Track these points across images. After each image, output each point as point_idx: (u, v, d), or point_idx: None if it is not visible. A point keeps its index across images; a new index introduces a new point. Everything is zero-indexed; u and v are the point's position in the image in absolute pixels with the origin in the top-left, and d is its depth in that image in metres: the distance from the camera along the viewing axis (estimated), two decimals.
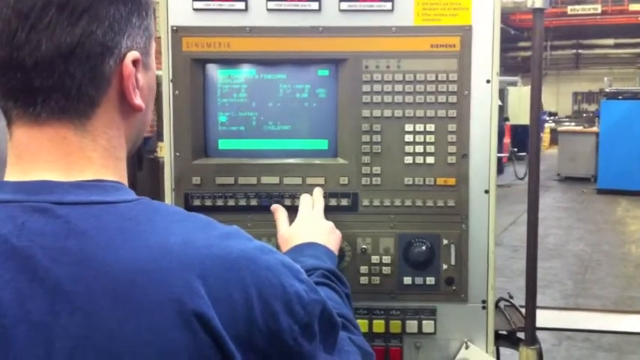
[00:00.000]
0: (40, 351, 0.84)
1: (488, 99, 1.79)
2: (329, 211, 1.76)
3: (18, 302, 0.85)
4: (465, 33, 1.77)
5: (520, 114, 16.53)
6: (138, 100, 1.01)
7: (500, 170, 15.40)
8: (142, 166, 6.85)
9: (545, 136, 23.86)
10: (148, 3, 1.04)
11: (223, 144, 1.84)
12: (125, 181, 1.03)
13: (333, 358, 1.11)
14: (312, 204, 1.73)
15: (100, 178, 0.96)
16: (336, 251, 1.62)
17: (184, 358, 0.87)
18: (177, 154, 1.82)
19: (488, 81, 1.79)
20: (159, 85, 1.80)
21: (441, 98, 1.79)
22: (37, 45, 0.90)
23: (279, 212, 1.73)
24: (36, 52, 0.90)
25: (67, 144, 0.95)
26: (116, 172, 1.01)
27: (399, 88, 1.79)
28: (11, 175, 0.95)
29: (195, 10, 1.79)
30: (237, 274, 0.92)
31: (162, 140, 1.86)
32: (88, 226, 0.89)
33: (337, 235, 1.67)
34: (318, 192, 1.78)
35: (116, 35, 0.96)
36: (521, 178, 14.03)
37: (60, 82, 0.92)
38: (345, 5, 1.77)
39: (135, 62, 0.98)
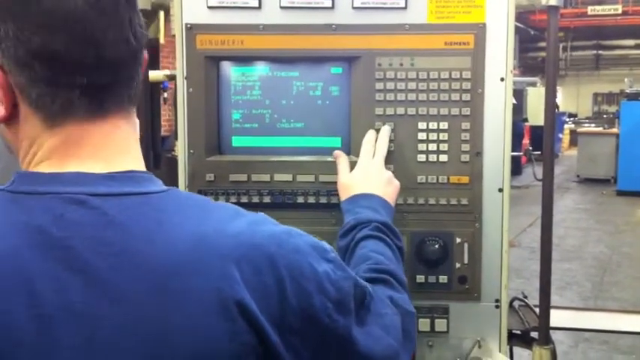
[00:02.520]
0: (82, 340, 0.87)
1: (502, 97, 1.79)
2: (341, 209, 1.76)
3: (59, 292, 0.87)
4: (479, 31, 1.77)
5: (539, 115, 16.18)
6: None
7: (518, 171, 15.30)
8: (160, 165, 6.91)
9: (565, 138, 23.68)
10: None
11: (237, 141, 1.85)
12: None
13: (364, 329, 1.12)
14: (372, 151, 1.72)
15: (133, 168, 0.99)
16: (393, 202, 1.64)
17: (223, 345, 0.90)
18: (192, 151, 1.83)
19: (502, 79, 1.78)
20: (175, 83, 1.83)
21: (455, 96, 1.78)
22: (125, 41, 0.96)
23: (341, 159, 1.74)
24: (115, 50, 0.95)
25: (120, 133, 1.00)
26: (142, 159, 1.05)
27: (412, 85, 1.78)
28: (46, 167, 0.97)
29: (210, 7, 1.80)
30: (268, 258, 0.95)
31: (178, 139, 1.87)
32: (124, 218, 0.92)
33: (395, 185, 1.68)
34: (385, 133, 1.75)
35: None
36: (540, 180, 13.92)
37: (130, 76, 0.99)
38: (358, 3, 1.77)
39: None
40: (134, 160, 1.01)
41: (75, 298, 0.87)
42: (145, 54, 1.02)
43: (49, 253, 0.88)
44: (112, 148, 0.98)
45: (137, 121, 1.05)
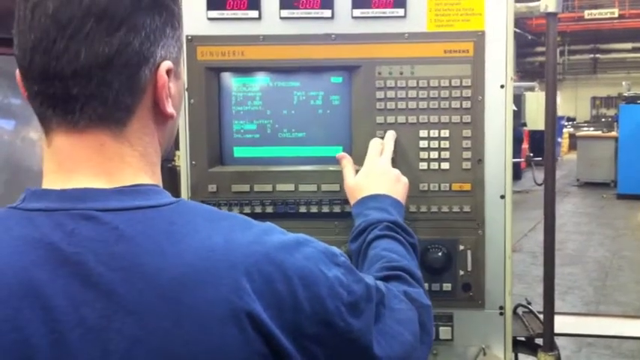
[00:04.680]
0: (96, 354, 0.87)
1: (502, 104, 1.79)
2: (344, 219, 1.77)
3: (72, 307, 0.88)
4: (479, 38, 1.77)
5: (538, 119, 16.41)
6: (170, 109, 1.03)
7: (518, 176, 15.29)
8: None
9: (564, 142, 23.70)
10: (180, 14, 1.07)
11: (239, 152, 1.86)
12: (161, 184, 1.05)
13: (380, 329, 1.12)
14: (379, 151, 1.71)
15: (139, 182, 0.99)
16: (402, 200, 1.63)
17: (236, 355, 0.91)
18: (194, 162, 1.83)
19: (502, 86, 1.78)
20: None
21: (455, 104, 1.78)
22: (75, 55, 0.93)
23: (345, 161, 1.73)
24: (74, 62, 0.93)
25: (107, 150, 0.98)
26: (154, 176, 1.04)
27: (412, 94, 1.79)
28: (53, 183, 0.98)
29: (210, 19, 1.80)
30: (279, 267, 0.96)
31: (179, 149, 1.88)
32: (135, 232, 0.92)
33: (403, 183, 1.66)
34: (390, 136, 1.76)
35: (152, 45, 0.98)
36: (540, 184, 13.90)
37: (98, 91, 0.95)
38: (357, 12, 1.77)
39: (168, 72, 1.01)
40: (141, 174, 1.01)
41: (89, 313, 0.88)
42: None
43: (61, 269, 0.89)
44: (106, 163, 0.98)
45: (143, 139, 1.02)
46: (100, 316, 0.88)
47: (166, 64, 1.00)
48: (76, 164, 0.97)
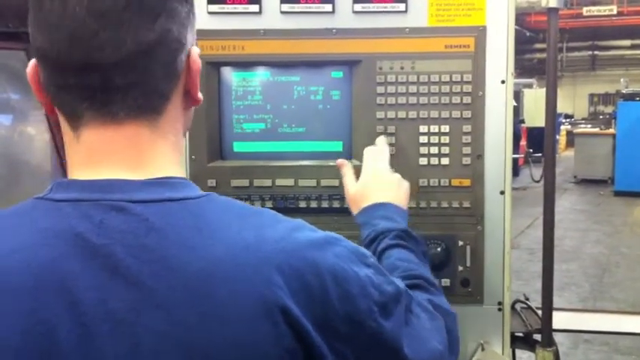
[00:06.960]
0: (125, 348, 0.86)
1: (503, 99, 1.79)
2: (344, 214, 1.76)
3: (100, 300, 0.86)
4: (480, 33, 1.77)
5: (536, 116, 16.42)
6: (200, 94, 1.04)
7: (515, 173, 15.29)
8: None
9: (562, 139, 23.69)
10: (194, 2, 1.07)
11: (238, 146, 1.85)
12: (184, 172, 1.05)
13: (410, 333, 1.10)
14: (376, 157, 1.67)
15: (169, 175, 0.98)
16: (405, 205, 1.60)
17: (268, 350, 0.89)
18: (193, 157, 1.83)
19: (502, 81, 1.79)
20: None
21: (456, 99, 1.78)
22: (120, 44, 0.91)
23: (346, 168, 1.68)
24: (118, 51, 0.91)
25: (141, 141, 0.97)
26: (181, 166, 1.03)
27: (413, 89, 1.79)
28: (79, 175, 0.96)
29: (210, 13, 1.80)
30: (310, 263, 0.94)
31: None
32: (164, 224, 0.90)
33: (405, 187, 1.63)
34: (382, 141, 1.72)
35: (184, 31, 0.98)
36: (537, 181, 13.90)
37: (141, 79, 0.94)
38: (358, 7, 1.77)
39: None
40: (171, 165, 1.00)
41: (118, 306, 0.86)
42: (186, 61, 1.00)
43: (90, 261, 0.87)
44: (139, 155, 0.96)
45: (174, 127, 1.02)
46: (128, 310, 0.86)
47: (196, 49, 1.01)
48: (107, 156, 0.95)
